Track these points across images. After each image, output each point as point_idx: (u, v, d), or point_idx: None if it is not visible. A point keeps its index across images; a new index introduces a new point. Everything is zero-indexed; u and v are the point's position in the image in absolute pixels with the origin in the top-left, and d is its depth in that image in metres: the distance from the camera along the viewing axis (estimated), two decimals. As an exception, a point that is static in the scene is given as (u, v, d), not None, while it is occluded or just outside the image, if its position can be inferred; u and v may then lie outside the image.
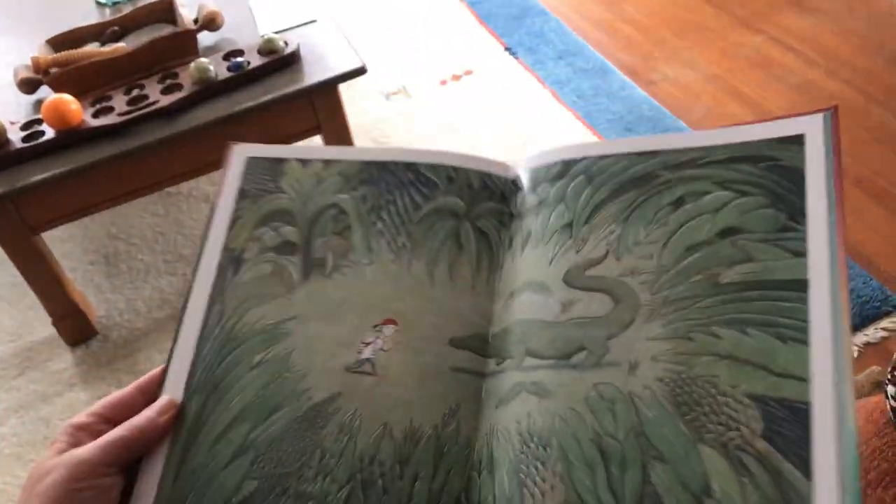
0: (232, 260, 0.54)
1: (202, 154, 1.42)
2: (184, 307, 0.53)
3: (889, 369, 0.54)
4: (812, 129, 0.47)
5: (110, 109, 1.37)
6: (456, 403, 0.48)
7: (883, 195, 1.56)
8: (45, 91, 1.44)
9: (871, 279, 1.38)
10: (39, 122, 1.35)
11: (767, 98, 1.83)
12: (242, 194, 0.57)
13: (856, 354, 1.28)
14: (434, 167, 0.56)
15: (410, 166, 0.56)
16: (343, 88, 1.44)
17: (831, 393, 0.39)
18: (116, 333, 1.54)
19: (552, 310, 0.48)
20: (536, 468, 0.43)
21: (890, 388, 0.54)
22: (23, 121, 1.37)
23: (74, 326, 1.51)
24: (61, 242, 1.74)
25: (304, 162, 0.58)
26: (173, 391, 0.50)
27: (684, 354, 0.43)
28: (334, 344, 0.50)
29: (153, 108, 1.35)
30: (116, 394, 0.49)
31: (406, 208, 0.55)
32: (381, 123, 1.93)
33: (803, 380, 0.40)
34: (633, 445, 0.42)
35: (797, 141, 0.47)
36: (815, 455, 0.38)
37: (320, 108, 1.43)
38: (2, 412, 1.42)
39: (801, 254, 0.44)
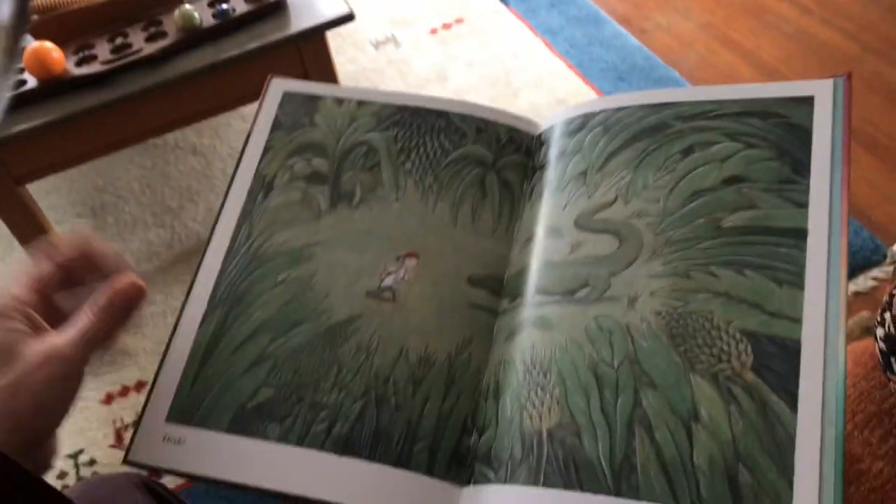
0: (263, 185, 0.58)
1: (188, 103, 1.39)
2: (214, 226, 0.57)
3: (879, 311, 0.54)
4: (822, 92, 0.49)
5: (93, 58, 1.34)
6: (469, 336, 0.51)
7: (875, 145, 1.55)
8: (26, 39, 1.41)
9: (861, 229, 1.38)
10: (21, 70, 1.32)
11: (761, 47, 1.81)
12: (277, 125, 0.61)
13: (845, 303, 1.29)
14: (464, 117, 0.59)
15: (442, 114, 0.59)
16: (331, 37, 1.41)
17: (822, 333, 0.41)
18: (105, 286, 1.53)
19: (562, 251, 0.51)
20: (536, 393, 0.46)
21: (879, 331, 0.54)
22: (4, 69, 1.34)
23: (62, 279, 1.50)
24: (47, 195, 1.72)
25: (339, 101, 0.61)
26: (198, 303, 0.54)
27: (682, 291, 0.45)
28: (356, 270, 0.54)
29: (137, 56, 1.33)
30: (36, 270, 0.48)
31: (435, 152, 0.58)
32: (370, 73, 1.90)
33: (796, 320, 0.42)
34: (627, 372, 0.44)
35: (807, 102, 0.49)
36: (801, 390, 0.40)
37: (308, 57, 1.41)
38: (-9, 365, 1.42)
39: (802, 205, 0.45)
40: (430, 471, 0.46)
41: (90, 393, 1.35)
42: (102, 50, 1.35)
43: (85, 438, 1.29)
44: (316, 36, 1.38)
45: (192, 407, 0.50)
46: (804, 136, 0.48)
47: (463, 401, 0.48)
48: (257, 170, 0.59)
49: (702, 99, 0.52)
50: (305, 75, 1.44)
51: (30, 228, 1.42)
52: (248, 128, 0.61)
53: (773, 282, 0.44)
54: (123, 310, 0.47)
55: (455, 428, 0.47)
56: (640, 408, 0.43)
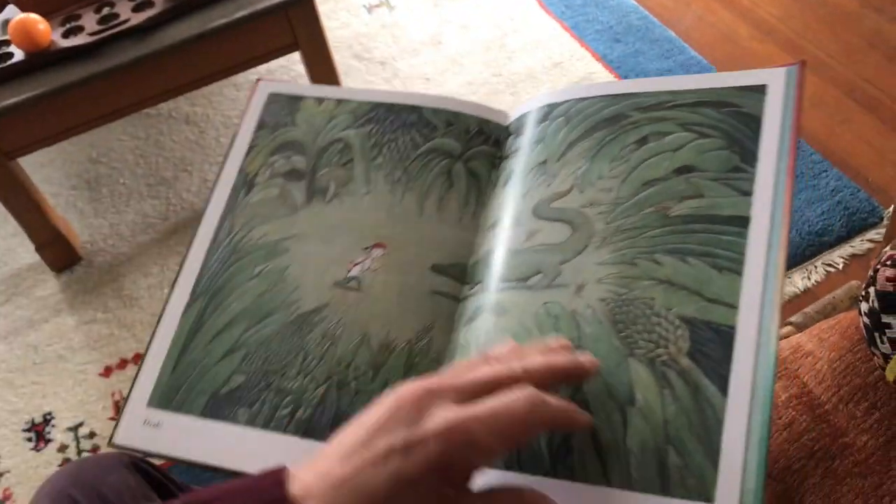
0: (245, 182, 0.61)
1: (177, 74, 1.38)
2: (200, 221, 0.60)
3: (863, 286, 0.53)
4: (775, 81, 0.50)
5: (80, 29, 1.33)
6: (431, 322, 0.52)
7: (875, 104, 1.53)
8: (11, 11, 1.39)
9: (858, 190, 1.37)
10: (7, 43, 1.31)
11: (759, 5, 1.78)
12: (261, 125, 0.64)
13: (840, 266, 1.28)
14: (436, 111, 0.61)
15: (415, 109, 0.61)
16: (322, 2, 1.39)
17: (756, 320, 0.42)
18: (101, 258, 1.53)
19: (519, 238, 0.52)
20: None
21: (863, 305, 0.53)
22: (-10, 43, 1.33)
23: (58, 252, 1.50)
24: (41, 167, 1.71)
25: (319, 100, 0.64)
26: (182, 293, 0.57)
27: (627, 278, 0.47)
28: (326, 261, 0.56)
29: (124, 26, 1.31)
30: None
31: (406, 146, 0.60)
32: (362, 38, 1.88)
33: (732, 306, 0.43)
34: None
35: (759, 91, 0.50)
36: (733, 375, 0.41)
37: (297, 24, 1.39)
38: (-10, 339, 1.43)
39: (747, 193, 0.47)
40: None
41: (88, 366, 1.36)
42: (89, 21, 1.34)
43: (84, 411, 1.30)
44: (304, 1, 1.36)
45: (170, 393, 0.53)
46: (754, 124, 0.49)
47: None
48: (241, 167, 0.62)
49: (660, 90, 0.53)
50: (295, 42, 1.42)
51: (23, 203, 1.41)
52: (242, 96, 0.65)
53: (714, 268, 0.45)
54: None
55: None
56: (580, 392, 0.44)
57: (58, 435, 1.28)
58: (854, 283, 0.93)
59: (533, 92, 1.66)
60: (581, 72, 1.70)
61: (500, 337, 0.48)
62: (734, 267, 0.44)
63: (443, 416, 0.36)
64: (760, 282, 0.43)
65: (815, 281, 1.27)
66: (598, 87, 0.56)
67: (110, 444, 0.52)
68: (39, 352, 1.39)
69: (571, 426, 0.40)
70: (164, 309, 0.56)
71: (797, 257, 1.30)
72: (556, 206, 0.52)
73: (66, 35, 1.32)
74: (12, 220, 1.44)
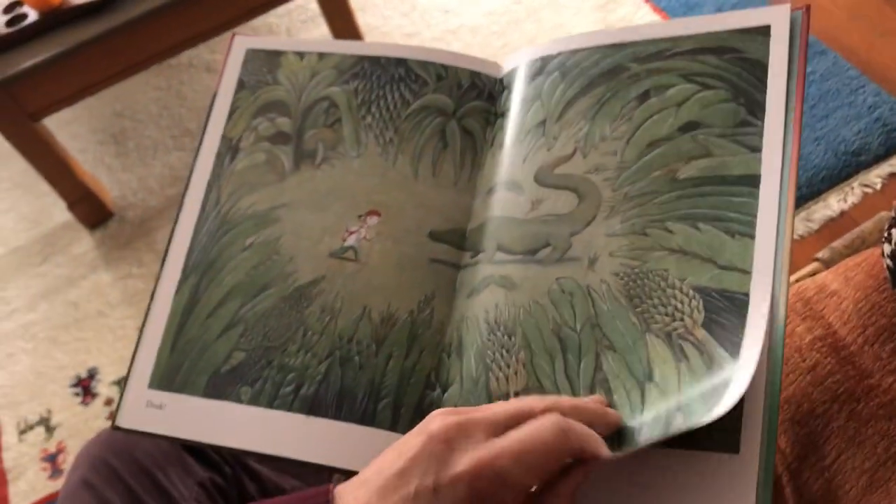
0: (229, 148, 0.58)
1: (194, 22, 1.37)
2: (184, 192, 0.58)
3: (886, 227, 0.51)
4: (779, 20, 0.47)
5: (91, -16, 1.31)
6: (431, 292, 0.51)
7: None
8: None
9: (889, 97, 1.32)
10: (20, 3, 1.30)
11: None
12: (241, 85, 0.60)
13: (879, 186, 1.24)
14: (424, 64, 0.57)
15: (402, 62, 0.58)
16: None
17: (769, 286, 0.41)
18: (132, 213, 1.55)
19: (523, 207, 0.50)
20: (502, 355, 0.47)
21: (886, 247, 0.52)
22: (3, 4, 1.32)
23: (90, 209, 1.52)
24: (67, 125, 1.72)
25: (300, 55, 0.60)
26: (173, 271, 0.55)
27: (639, 250, 0.46)
28: (320, 231, 0.54)
29: (135, -21, 1.29)
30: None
31: (395, 104, 0.57)
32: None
33: (746, 272, 0.42)
34: (589, 336, 0.45)
35: (763, 32, 0.47)
36: (745, 339, 0.41)
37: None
38: (31, 298, 1.46)
39: (756, 149, 0.45)
40: (393, 427, 0.47)
41: (128, 321, 1.39)
42: (99, -25, 1.32)
43: (127, 365, 1.33)
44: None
45: (171, 373, 0.52)
46: (760, 71, 0.46)
47: (426, 357, 0.49)
48: (223, 132, 0.58)
49: (658, 36, 0.50)
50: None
51: (51, 163, 1.42)
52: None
53: (726, 233, 0.44)
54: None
55: (418, 384, 0.48)
56: (601, 371, 0.44)
57: (103, 389, 1.32)
58: (884, 213, 0.90)
59: (556, 19, 1.61)
60: (605, -6, 1.64)
61: (512, 313, 0.47)
62: (746, 230, 0.43)
63: (471, 455, 0.37)
64: (772, 245, 0.42)
65: (853, 203, 1.23)
66: (592, 36, 0.53)
67: (114, 427, 0.52)
68: (80, 308, 1.43)
69: (598, 453, 0.39)
70: (155, 287, 0.55)
71: (833, 178, 1.26)
72: (559, 173, 0.50)
73: (77, -8, 1.31)
74: (43, 180, 1.46)
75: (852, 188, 1.25)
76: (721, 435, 0.39)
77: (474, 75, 0.56)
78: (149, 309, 0.54)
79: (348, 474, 0.42)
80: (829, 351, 0.58)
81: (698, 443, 0.40)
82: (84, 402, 1.31)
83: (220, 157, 0.58)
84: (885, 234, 0.51)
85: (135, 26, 1.29)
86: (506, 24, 1.64)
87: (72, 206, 1.51)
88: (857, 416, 0.55)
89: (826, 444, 0.55)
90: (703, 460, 0.39)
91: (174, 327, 0.53)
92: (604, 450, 0.39)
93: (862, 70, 1.39)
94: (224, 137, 0.58)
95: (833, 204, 1.24)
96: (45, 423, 1.30)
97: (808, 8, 0.46)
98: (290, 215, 0.55)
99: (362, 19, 1.68)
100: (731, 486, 0.38)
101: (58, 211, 1.57)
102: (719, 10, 1.56)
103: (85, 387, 1.33)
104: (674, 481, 0.40)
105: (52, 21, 1.29)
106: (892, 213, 0.51)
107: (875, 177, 1.25)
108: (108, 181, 1.61)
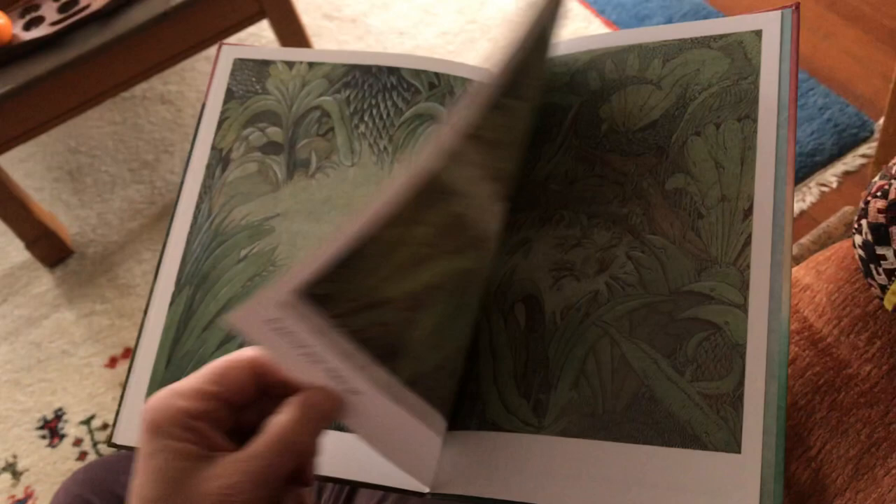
0: (220, 159, 0.57)
1: (145, 55, 1.35)
2: (176, 205, 0.57)
3: (855, 219, 0.53)
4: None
5: (41, 20, 1.29)
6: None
7: (857, 16, 1.50)
8: (-31, 7, 1.35)
9: (847, 105, 1.36)
10: (-32, 42, 1.28)
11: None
12: (230, 95, 0.59)
13: (835, 185, 1.27)
14: (416, 73, 0.57)
15: (393, 71, 0.57)
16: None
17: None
18: (92, 249, 1.52)
19: None
20: None
21: (857, 238, 0.53)
22: (-49, 42, 1.29)
23: (49, 247, 1.49)
24: (21, 162, 1.69)
25: (289, 64, 0.60)
26: (166, 284, 0.54)
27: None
28: (316, 240, 0.53)
29: (86, 12, 1.27)
30: (222, 363, 0.39)
31: (388, 112, 0.56)
32: (333, -2, 1.84)
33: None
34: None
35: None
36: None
37: (263, -8, 1.36)
38: (-8, 341, 1.43)
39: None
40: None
41: (93, 358, 1.36)
42: (49, 10, 1.30)
43: (95, 404, 1.31)
44: (268, -31, 1.32)
45: None
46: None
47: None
48: (213, 143, 0.58)
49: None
50: (261, 9, 1.39)
51: (6, 202, 1.39)
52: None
53: None
54: (317, 422, 0.37)
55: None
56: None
57: (71, 430, 1.29)
58: (848, 208, 0.92)
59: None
60: (556, 10, 1.66)
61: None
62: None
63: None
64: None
65: (811, 202, 1.26)
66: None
67: (110, 443, 0.52)
68: (43, 349, 1.39)
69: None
70: (149, 302, 0.54)
71: (790, 180, 1.29)
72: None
73: (27, 27, 1.29)
74: (-1, 221, 1.43)
75: (810, 188, 1.28)
76: (722, 435, 0.40)
77: (466, 82, 0.56)
78: (142, 323, 0.53)
79: (353, 485, 0.41)
80: (807, 344, 0.59)
81: (699, 443, 0.40)
82: (52, 444, 1.28)
83: (210, 168, 0.57)
84: (856, 226, 0.52)
85: (87, 61, 1.27)
86: (461, 44, 1.66)
87: (29, 246, 1.48)
88: (838, 405, 0.56)
89: (811, 436, 0.56)
90: (703, 460, 0.39)
91: (169, 341, 0.52)
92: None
93: (810, 72, 1.43)
94: (214, 148, 0.58)
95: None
96: (12, 468, 1.27)
97: (797, 5, 0.46)
98: (285, 225, 0.54)
99: (318, 45, 1.68)
100: (732, 486, 0.38)
101: (14, 251, 1.54)
102: (669, 21, 1.59)
103: (52, 428, 1.30)
104: (674, 481, 0.40)
105: (3, 58, 1.26)
106: (861, 204, 0.52)
107: (831, 176, 1.28)
108: (66, 218, 1.58)
